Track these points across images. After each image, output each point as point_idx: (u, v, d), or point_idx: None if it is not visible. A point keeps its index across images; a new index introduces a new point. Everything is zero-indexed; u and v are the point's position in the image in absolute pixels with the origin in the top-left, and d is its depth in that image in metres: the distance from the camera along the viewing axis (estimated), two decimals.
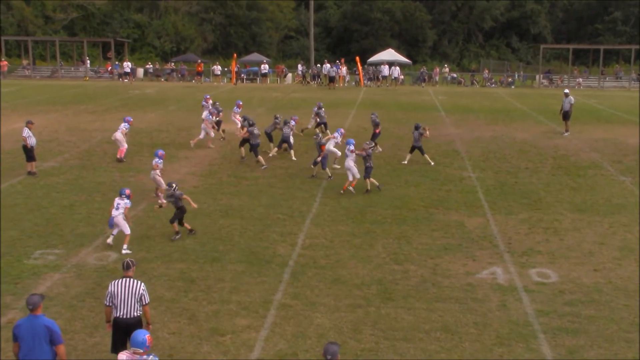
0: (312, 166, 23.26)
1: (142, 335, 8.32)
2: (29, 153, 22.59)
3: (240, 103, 31.25)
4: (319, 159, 22.76)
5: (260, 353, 10.93)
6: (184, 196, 16.49)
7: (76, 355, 10.74)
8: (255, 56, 70.86)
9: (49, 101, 43.70)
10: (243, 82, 62.52)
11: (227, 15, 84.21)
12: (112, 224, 15.75)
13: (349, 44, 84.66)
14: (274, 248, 15.91)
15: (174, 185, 16.54)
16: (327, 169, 22.93)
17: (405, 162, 25.04)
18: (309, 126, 30.98)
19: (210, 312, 12.41)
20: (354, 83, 61.32)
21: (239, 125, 28.62)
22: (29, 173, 22.53)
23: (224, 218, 18.22)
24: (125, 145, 25.61)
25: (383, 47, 73.67)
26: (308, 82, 60.72)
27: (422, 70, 65.20)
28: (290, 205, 19.57)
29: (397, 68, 60.41)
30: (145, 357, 8.19)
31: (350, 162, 20.77)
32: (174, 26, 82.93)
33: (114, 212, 15.62)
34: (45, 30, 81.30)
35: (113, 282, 10.03)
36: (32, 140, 22.58)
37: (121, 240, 15.68)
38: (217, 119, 29.56)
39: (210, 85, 58.71)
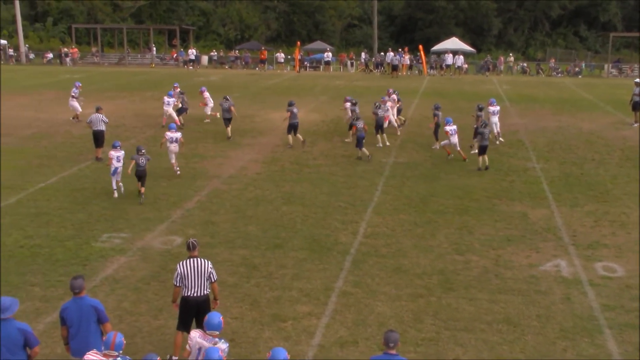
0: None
1: (218, 317, 8.51)
2: (99, 138, 23.01)
3: (389, 96, 30.24)
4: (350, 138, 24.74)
5: (320, 339, 11.02)
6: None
7: (141, 337, 10.99)
8: (318, 44, 70.92)
9: (116, 87, 44.59)
10: (306, 70, 62.64)
11: (291, 3, 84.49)
12: (113, 175, 18.95)
13: (412, 32, 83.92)
14: (336, 236, 15.97)
15: (143, 150, 18.78)
16: (364, 149, 23.75)
17: (475, 151, 25.04)
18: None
19: (272, 298, 12.55)
20: (417, 72, 60.85)
21: (349, 114, 28.45)
22: (97, 159, 23.03)
23: (286, 205, 18.35)
24: (176, 117, 28.78)
25: (447, 36, 72.82)
26: (371, 71, 60.54)
27: (486, 59, 64.28)
28: (352, 193, 19.60)
29: (461, 57, 59.63)
30: (216, 339, 8.38)
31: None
32: (238, 14, 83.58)
33: (115, 164, 18.71)
34: (113, 18, 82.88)
35: (181, 263, 10.20)
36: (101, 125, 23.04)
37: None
38: (181, 106, 30.33)
39: (273, 73, 59.01)
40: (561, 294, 12.91)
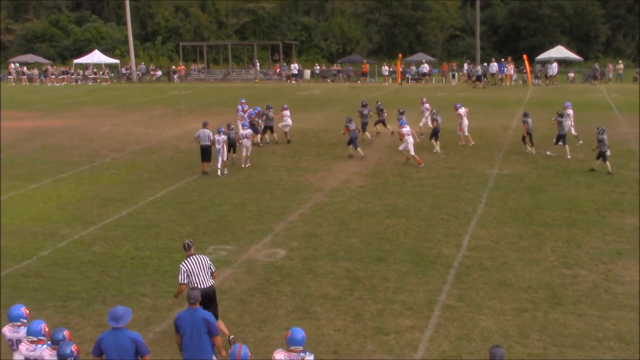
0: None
1: (301, 333, 8.47)
2: (206, 153, 23.52)
3: (423, 105, 31.39)
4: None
5: (424, 354, 10.93)
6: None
7: None
8: (420, 56, 70.67)
9: (222, 103, 45.70)
10: (408, 82, 62.45)
11: (392, 15, 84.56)
12: (218, 156, 23.15)
13: (516, 41, 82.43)
14: (439, 249, 15.84)
15: (232, 126, 24.48)
16: (359, 149, 25.83)
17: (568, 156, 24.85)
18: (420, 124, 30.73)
19: (375, 311, 12.55)
20: (521, 82, 59.73)
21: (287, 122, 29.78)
22: (204, 173, 23.61)
23: (389, 218, 18.33)
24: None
25: (552, 45, 71.18)
26: (474, 81, 59.81)
27: (593, 67, 62.33)
28: (455, 206, 19.40)
29: (555, 64, 58.01)
30: (302, 354, 8.40)
31: None
32: (340, 27, 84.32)
33: (217, 146, 23.05)
34: (218, 35, 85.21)
35: (185, 262, 10.97)
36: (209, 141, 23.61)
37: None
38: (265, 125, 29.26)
39: (376, 86, 59.13)
40: None
